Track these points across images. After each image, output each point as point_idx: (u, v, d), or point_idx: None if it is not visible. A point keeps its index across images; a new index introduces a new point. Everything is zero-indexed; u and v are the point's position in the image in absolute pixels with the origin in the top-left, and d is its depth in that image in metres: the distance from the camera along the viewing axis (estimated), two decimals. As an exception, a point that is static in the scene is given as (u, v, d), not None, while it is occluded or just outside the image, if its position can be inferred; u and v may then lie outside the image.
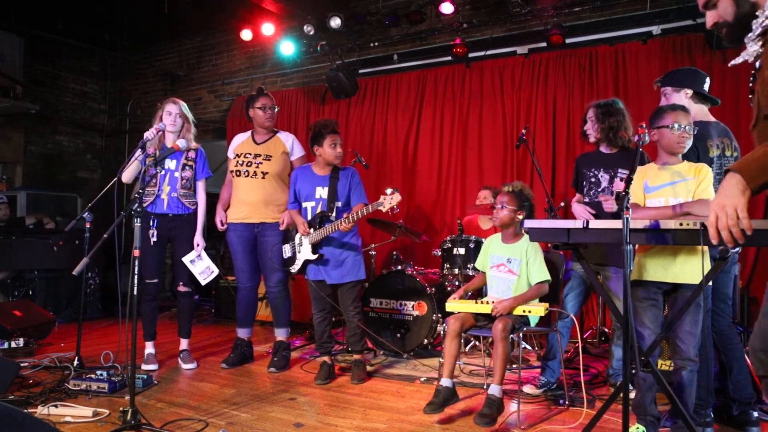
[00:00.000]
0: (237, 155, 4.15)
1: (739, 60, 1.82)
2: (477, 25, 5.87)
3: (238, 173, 4.09)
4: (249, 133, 4.26)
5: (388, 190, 3.37)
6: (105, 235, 2.93)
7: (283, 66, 7.09)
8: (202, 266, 4.03)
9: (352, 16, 6.16)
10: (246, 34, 6.72)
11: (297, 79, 7.13)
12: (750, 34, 1.70)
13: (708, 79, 3.10)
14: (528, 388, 3.45)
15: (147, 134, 3.61)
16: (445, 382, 3.05)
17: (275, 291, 4.11)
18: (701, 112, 3.05)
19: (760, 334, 1.73)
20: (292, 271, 3.88)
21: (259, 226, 4.07)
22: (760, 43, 1.70)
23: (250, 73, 7.46)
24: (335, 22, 5.96)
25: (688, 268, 2.51)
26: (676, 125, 2.58)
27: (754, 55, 1.75)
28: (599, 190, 3.45)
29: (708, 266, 2.37)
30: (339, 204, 3.73)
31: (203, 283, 4.08)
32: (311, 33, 6.17)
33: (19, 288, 5.88)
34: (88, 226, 3.96)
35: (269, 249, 4.01)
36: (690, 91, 3.02)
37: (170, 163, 3.97)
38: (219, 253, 7.09)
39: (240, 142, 4.23)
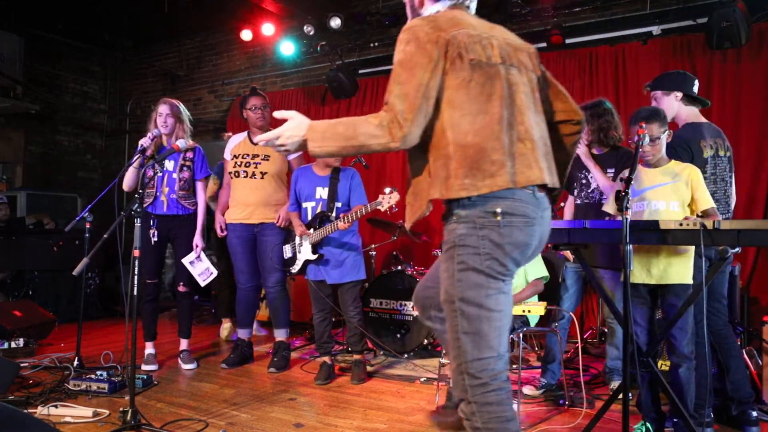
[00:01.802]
0: (234, 156, 4.14)
1: None
2: (477, 25, 5.86)
3: (236, 174, 4.09)
4: (245, 133, 4.24)
5: (387, 190, 3.40)
6: (105, 236, 2.93)
7: (283, 66, 7.09)
8: (201, 267, 4.02)
9: (352, 16, 6.16)
10: (246, 34, 6.72)
11: (297, 79, 7.13)
12: None
13: (696, 82, 3.12)
14: (528, 390, 3.45)
15: (142, 141, 3.63)
16: None
17: (273, 291, 4.11)
18: (692, 113, 3.06)
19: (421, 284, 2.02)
20: (293, 271, 3.88)
21: (258, 226, 4.06)
22: None
23: (250, 73, 7.46)
24: (335, 22, 5.96)
25: (673, 270, 2.53)
26: (646, 137, 2.50)
27: None
28: (589, 191, 3.46)
29: (699, 266, 2.39)
30: (339, 204, 3.73)
31: (202, 284, 4.07)
32: (311, 33, 6.17)
33: (19, 288, 5.88)
34: (88, 226, 3.96)
35: (269, 249, 4.01)
36: (680, 94, 3.04)
37: (168, 165, 3.97)
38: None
39: (237, 143, 4.22)
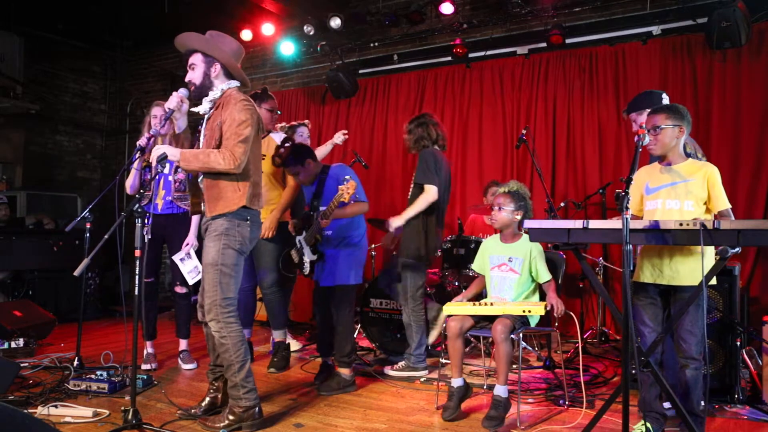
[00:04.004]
0: None
1: (196, 109, 2.99)
2: (477, 25, 5.87)
3: None
4: None
5: (346, 178, 3.36)
6: (106, 236, 2.93)
7: (283, 66, 7.10)
8: (190, 266, 4.00)
9: (352, 16, 6.16)
10: (246, 34, 6.72)
11: (297, 79, 7.13)
12: (207, 97, 2.91)
13: (665, 95, 3.32)
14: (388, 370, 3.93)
15: (140, 142, 3.64)
16: (456, 381, 3.07)
17: (270, 293, 4.08)
18: None
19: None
20: (305, 273, 3.80)
21: None
22: (210, 105, 2.92)
23: (250, 73, 7.45)
24: (335, 22, 5.96)
25: (683, 270, 2.52)
26: (645, 137, 2.53)
27: (206, 110, 2.94)
28: None
29: (708, 266, 2.38)
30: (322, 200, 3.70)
31: (191, 282, 4.04)
32: (311, 33, 6.17)
33: (19, 288, 5.88)
34: (88, 226, 3.96)
35: (262, 249, 3.99)
36: None
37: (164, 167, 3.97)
38: None
39: None
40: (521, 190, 3.30)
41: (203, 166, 2.77)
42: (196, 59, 2.89)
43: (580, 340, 3.55)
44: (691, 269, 2.51)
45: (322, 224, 3.51)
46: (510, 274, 3.26)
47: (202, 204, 3.00)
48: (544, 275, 3.22)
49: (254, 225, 2.92)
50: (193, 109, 3.04)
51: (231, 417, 2.81)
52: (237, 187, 2.84)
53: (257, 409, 2.85)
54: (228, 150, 2.74)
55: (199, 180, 3.01)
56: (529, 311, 3.06)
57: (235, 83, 2.95)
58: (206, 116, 2.96)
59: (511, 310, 3.08)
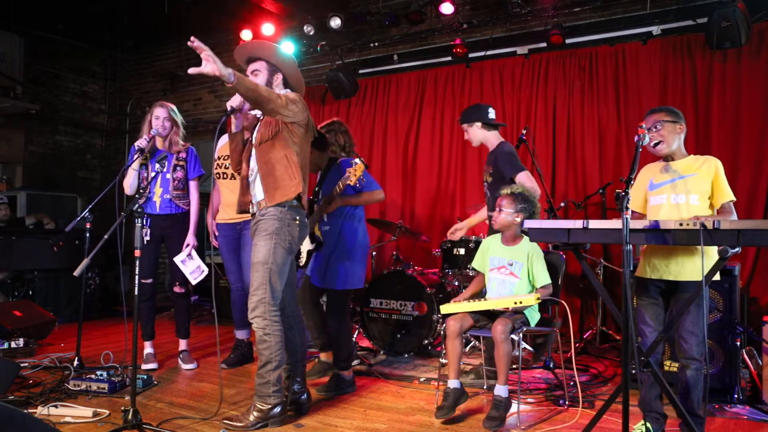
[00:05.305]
0: (218, 157, 4.12)
1: (254, 111, 3.05)
2: (477, 25, 5.87)
3: (223, 176, 4.08)
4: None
5: (356, 161, 3.39)
6: (106, 236, 2.93)
7: (283, 66, 7.08)
8: (192, 266, 4.00)
9: (352, 16, 6.15)
10: (246, 35, 6.71)
11: (297, 79, 7.11)
12: None
13: (491, 109, 3.70)
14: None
15: (138, 143, 3.64)
16: (453, 383, 3.05)
17: None
18: (494, 136, 3.68)
19: None
20: (300, 264, 3.80)
21: (240, 224, 4.02)
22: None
23: (250, 73, 7.45)
24: (335, 22, 5.96)
25: (690, 266, 2.52)
26: (645, 137, 2.50)
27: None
28: None
29: (708, 266, 2.38)
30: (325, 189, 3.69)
31: (194, 282, 4.04)
32: (311, 33, 6.17)
33: (19, 288, 5.88)
34: (88, 226, 3.96)
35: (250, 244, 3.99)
36: (479, 123, 3.66)
37: (160, 166, 3.98)
38: None
39: (224, 143, 4.17)
40: (526, 192, 3.22)
41: (255, 90, 2.73)
42: (261, 66, 3.03)
43: (572, 341, 3.53)
44: (697, 265, 2.50)
45: (329, 209, 3.51)
46: (510, 278, 3.24)
47: (251, 205, 3.07)
48: (542, 279, 3.18)
49: (302, 225, 3.02)
50: (252, 111, 3.09)
51: (256, 414, 2.86)
52: (293, 175, 2.93)
53: (282, 407, 2.93)
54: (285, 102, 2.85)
55: (250, 178, 3.06)
56: (521, 302, 3.01)
57: (287, 91, 3.07)
58: (261, 118, 3.06)
59: (503, 303, 3.06)
